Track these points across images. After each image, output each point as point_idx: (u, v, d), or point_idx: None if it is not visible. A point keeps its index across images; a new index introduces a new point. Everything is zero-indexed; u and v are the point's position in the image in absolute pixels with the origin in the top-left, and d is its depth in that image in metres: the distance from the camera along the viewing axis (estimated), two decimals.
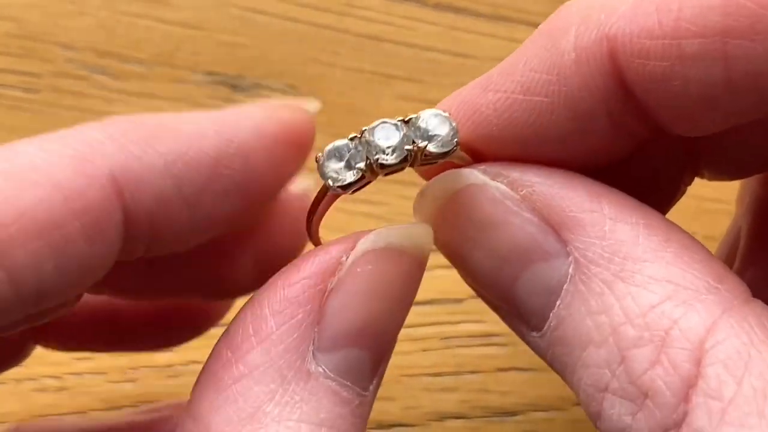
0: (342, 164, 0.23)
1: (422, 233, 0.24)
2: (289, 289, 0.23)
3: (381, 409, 0.33)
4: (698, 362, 0.20)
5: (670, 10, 0.21)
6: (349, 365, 0.23)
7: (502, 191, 0.23)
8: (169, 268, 0.27)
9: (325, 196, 0.24)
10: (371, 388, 0.23)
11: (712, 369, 0.20)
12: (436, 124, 0.23)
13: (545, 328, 0.22)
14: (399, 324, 0.24)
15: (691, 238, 0.22)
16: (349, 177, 0.23)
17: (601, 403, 0.21)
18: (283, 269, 0.23)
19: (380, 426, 0.33)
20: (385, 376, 0.33)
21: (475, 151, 0.24)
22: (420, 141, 0.22)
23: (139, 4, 0.37)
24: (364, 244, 0.23)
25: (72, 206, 0.21)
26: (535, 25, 0.38)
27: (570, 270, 0.22)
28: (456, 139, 0.23)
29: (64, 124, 0.35)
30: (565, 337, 0.22)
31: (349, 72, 0.37)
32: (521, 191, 0.23)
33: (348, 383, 0.23)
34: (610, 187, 0.23)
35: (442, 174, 0.24)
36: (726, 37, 0.20)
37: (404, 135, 0.22)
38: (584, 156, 0.23)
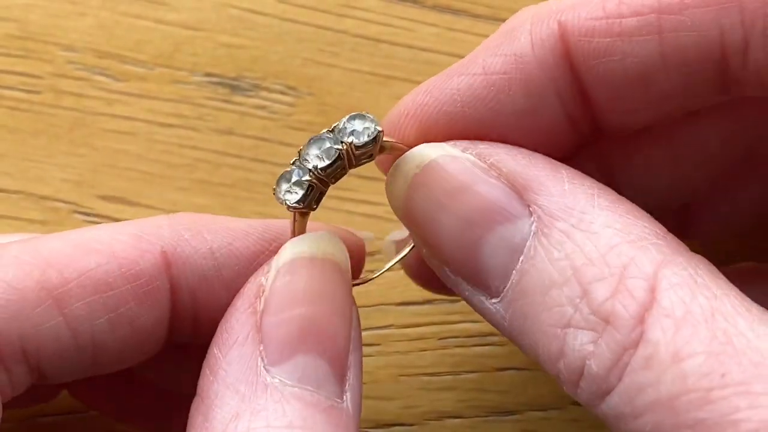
0: (290, 184, 0.25)
1: (326, 238, 0.26)
2: (226, 322, 0.25)
3: (379, 409, 0.33)
4: (653, 289, 0.22)
5: None
6: (304, 371, 0.24)
7: (472, 160, 0.25)
8: None
9: (296, 221, 0.26)
10: (346, 397, 0.25)
11: (665, 293, 0.22)
12: (356, 122, 0.25)
13: (507, 286, 0.24)
14: (341, 325, 0.25)
15: (636, 206, 0.24)
16: (300, 191, 0.25)
17: (564, 339, 0.23)
18: None
19: (378, 425, 0.33)
20: (383, 375, 0.34)
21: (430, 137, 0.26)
22: (346, 138, 0.25)
23: (139, 5, 0.37)
24: (276, 261, 0.25)
25: (125, 272, 0.25)
26: None
27: (533, 228, 0.24)
28: (377, 127, 0.25)
29: (64, 125, 0.36)
30: (527, 287, 0.23)
31: (347, 73, 0.37)
32: (488, 160, 0.25)
33: (309, 388, 0.24)
34: (562, 163, 0.25)
35: (414, 148, 0.26)
36: (660, 12, 0.24)
37: (330, 139, 0.25)
38: (533, 141, 0.25)
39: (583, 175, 0.25)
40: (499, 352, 0.33)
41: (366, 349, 0.33)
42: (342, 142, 0.25)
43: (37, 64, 0.36)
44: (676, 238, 0.24)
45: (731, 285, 0.23)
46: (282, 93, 0.36)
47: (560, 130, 0.26)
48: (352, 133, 0.25)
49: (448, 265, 0.25)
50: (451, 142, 0.26)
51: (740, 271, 0.32)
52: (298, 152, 0.25)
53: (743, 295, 0.22)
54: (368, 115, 0.25)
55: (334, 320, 0.25)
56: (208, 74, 0.36)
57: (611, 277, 0.22)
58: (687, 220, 0.31)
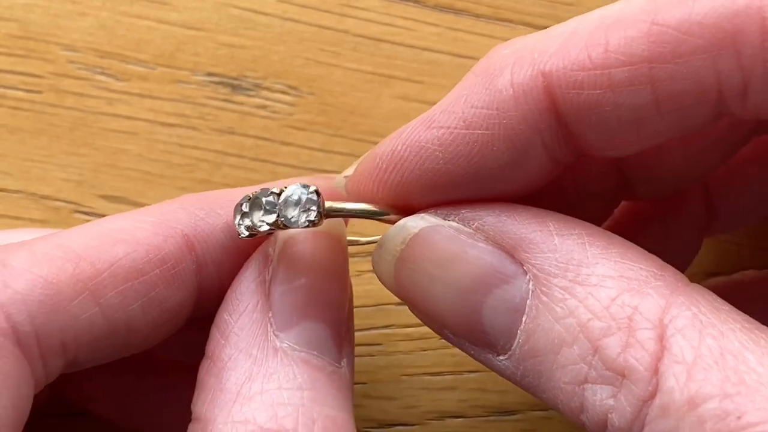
0: (237, 219, 0.27)
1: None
2: (236, 290, 0.26)
3: (381, 408, 0.33)
4: (661, 338, 0.22)
5: (598, 44, 0.23)
6: (309, 337, 0.25)
7: (456, 227, 0.25)
8: None
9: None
10: (343, 362, 0.26)
11: (673, 339, 0.22)
12: (297, 193, 0.26)
13: (514, 345, 0.24)
14: (341, 295, 0.27)
15: (628, 241, 0.24)
16: (245, 233, 0.26)
17: (583, 395, 0.23)
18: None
19: (380, 425, 0.33)
20: (385, 375, 0.34)
21: (407, 205, 0.26)
22: (282, 214, 0.26)
23: (140, 4, 0.37)
24: (283, 235, 0.26)
25: (152, 257, 0.26)
26: (534, 27, 0.39)
27: (530, 286, 0.24)
28: (311, 218, 0.25)
29: (65, 125, 0.36)
30: (536, 347, 0.24)
31: (348, 72, 0.37)
32: (473, 224, 0.25)
33: (314, 353, 0.25)
34: (547, 210, 0.25)
35: (395, 225, 0.26)
36: (652, 62, 0.23)
37: (271, 207, 0.26)
38: (517, 184, 0.25)
39: (570, 219, 0.24)
40: None
41: (368, 349, 0.34)
42: (278, 217, 0.26)
43: (38, 64, 0.36)
44: (673, 271, 0.24)
45: (734, 312, 0.23)
46: (283, 93, 0.36)
47: (544, 170, 0.25)
48: (290, 211, 0.26)
49: (448, 329, 0.25)
50: (432, 211, 0.25)
51: (741, 283, 0.32)
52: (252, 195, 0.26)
53: (748, 321, 0.22)
54: (311, 200, 0.25)
55: (334, 290, 0.26)
56: (210, 74, 0.36)
57: (619, 331, 0.22)
58: (710, 214, 0.31)
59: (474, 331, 0.25)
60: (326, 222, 0.26)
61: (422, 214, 0.25)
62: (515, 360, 0.24)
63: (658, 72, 0.23)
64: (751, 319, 0.23)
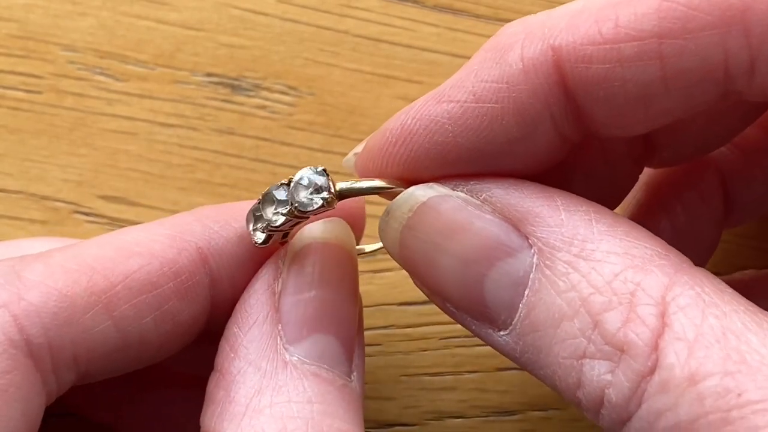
0: (251, 225, 0.27)
1: (338, 225, 0.27)
2: (245, 302, 0.26)
3: (380, 409, 0.33)
4: (662, 315, 0.22)
5: (608, 19, 0.23)
6: (320, 350, 0.26)
7: (463, 198, 0.25)
8: None
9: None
10: (354, 376, 0.26)
11: (675, 317, 0.22)
12: (309, 177, 0.26)
13: (515, 319, 0.24)
14: (351, 308, 0.27)
15: (634, 222, 0.24)
16: (261, 236, 0.27)
17: (581, 370, 0.23)
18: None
19: (379, 425, 0.33)
20: (385, 375, 0.34)
21: (417, 181, 0.26)
22: (295, 199, 0.26)
23: (139, 5, 0.37)
24: (293, 245, 0.27)
25: (166, 271, 0.26)
26: None
27: (534, 260, 0.24)
28: (326, 197, 0.25)
29: (65, 125, 0.36)
30: (537, 321, 0.24)
31: (348, 73, 0.37)
32: (481, 196, 0.25)
33: (325, 366, 0.25)
34: (554, 188, 0.25)
35: (404, 192, 0.26)
36: (661, 38, 0.23)
37: (283, 200, 0.26)
38: (525, 160, 0.25)
39: (577, 197, 0.25)
40: None
41: (367, 349, 0.33)
42: (292, 204, 0.26)
43: (38, 64, 0.36)
44: (677, 253, 0.24)
45: (737, 296, 0.23)
46: (283, 93, 0.36)
47: (552, 148, 0.25)
48: (302, 194, 0.26)
49: (450, 302, 0.25)
50: (441, 181, 0.25)
51: (740, 282, 0.32)
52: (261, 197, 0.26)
53: (751, 306, 0.22)
54: (320, 179, 0.26)
55: (345, 302, 0.26)
56: (209, 74, 0.36)
57: (621, 305, 0.22)
58: (727, 206, 0.31)
59: (476, 304, 0.25)
60: (336, 233, 0.26)
61: (431, 184, 0.25)
62: (515, 335, 0.24)
63: (667, 48, 0.23)
64: (754, 304, 0.23)
